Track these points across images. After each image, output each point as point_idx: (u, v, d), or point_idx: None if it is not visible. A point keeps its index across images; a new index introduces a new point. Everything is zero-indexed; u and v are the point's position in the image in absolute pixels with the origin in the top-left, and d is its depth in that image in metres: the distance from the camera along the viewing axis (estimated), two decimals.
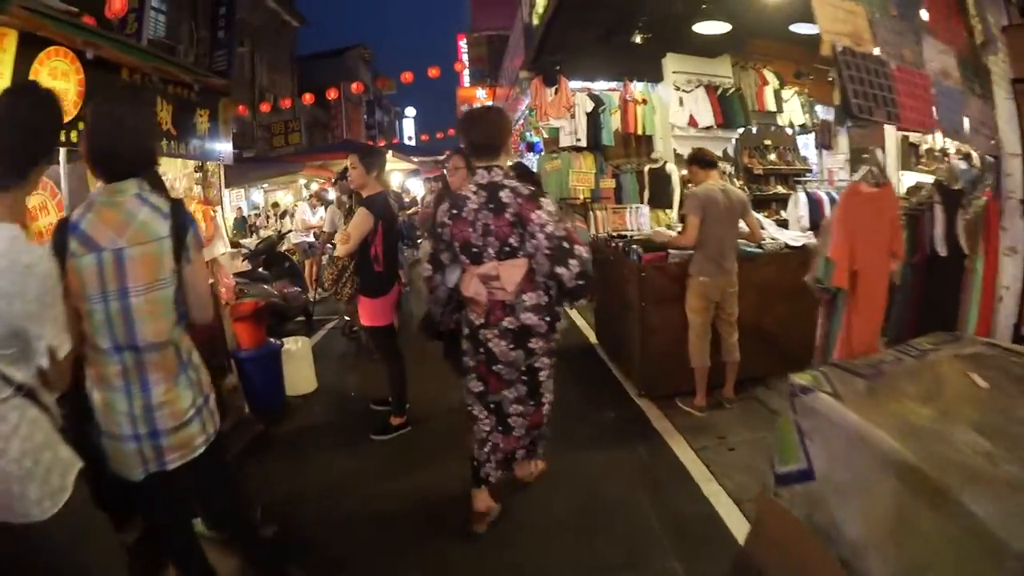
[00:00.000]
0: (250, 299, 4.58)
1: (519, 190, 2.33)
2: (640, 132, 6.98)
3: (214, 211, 4.75)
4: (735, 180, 7.07)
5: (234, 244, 8.92)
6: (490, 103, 12.22)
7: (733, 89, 7.24)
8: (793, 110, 7.67)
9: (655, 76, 7.25)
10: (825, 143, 8.12)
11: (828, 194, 6.00)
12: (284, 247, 8.06)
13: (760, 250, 4.16)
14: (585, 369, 4.96)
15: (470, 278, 2.38)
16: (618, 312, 4.60)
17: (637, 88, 7.10)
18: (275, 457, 3.65)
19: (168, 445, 1.72)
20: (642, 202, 6.96)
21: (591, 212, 6.76)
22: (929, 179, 7.75)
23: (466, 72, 26.31)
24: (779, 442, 1.76)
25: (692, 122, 7.09)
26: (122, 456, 1.68)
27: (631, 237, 4.64)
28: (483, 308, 2.38)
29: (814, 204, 5.90)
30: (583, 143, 6.93)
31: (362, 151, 3.84)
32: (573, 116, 6.99)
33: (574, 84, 7.15)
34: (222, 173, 5.05)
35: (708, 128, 7.11)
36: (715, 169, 3.86)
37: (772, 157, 7.39)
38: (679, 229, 4.83)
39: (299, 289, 6.31)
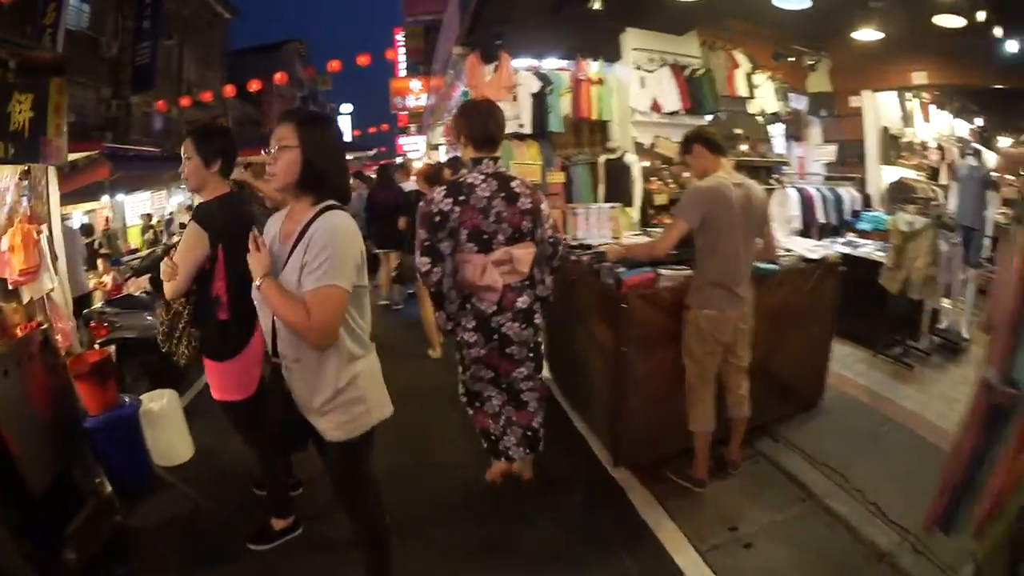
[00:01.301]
0: (102, 345, 3.87)
1: (525, 181, 2.56)
2: (595, 117, 5.80)
3: (38, 232, 3.86)
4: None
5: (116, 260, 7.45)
6: (440, 96, 10.94)
7: (702, 70, 6.22)
8: (766, 96, 6.75)
9: (612, 54, 6.09)
10: (796, 134, 7.29)
11: (819, 191, 5.04)
12: None
13: (775, 267, 3.07)
14: None
15: (484, 267, 2.39)
16: (584, 351, 3.41)
17: (592, 67, 5.93)
18: None
19: None
20: (595, 199, 5.83)
21: None
22: (911, 174, 7.16)
23: (402, 63, 25.05)
24: None
25: (656, 106, 6.00)
26: None
27: (596, 248, 3.45)
28: (498, 294, 2.42)
29: (805, 202, 4.91)
30: (526, 129, 5.69)
31: (199, 133, 2.43)
32: (515, 98, 5.73)
33: (518, 62, 5.89)
34: (50, 178, 3.99)
35: (673, 113, 6.05)
36: (725, 156, 2.70)
37: (744, 148, 6.42)
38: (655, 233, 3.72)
39: None
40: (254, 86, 15.12)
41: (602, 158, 5.78)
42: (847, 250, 4.20)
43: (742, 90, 6.52)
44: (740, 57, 6.60)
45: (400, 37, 24.60)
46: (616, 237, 4.29)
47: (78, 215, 9.39)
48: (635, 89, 5.95)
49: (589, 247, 3.65)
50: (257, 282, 1.68)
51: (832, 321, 3.46)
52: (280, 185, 1.71)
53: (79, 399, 3.03)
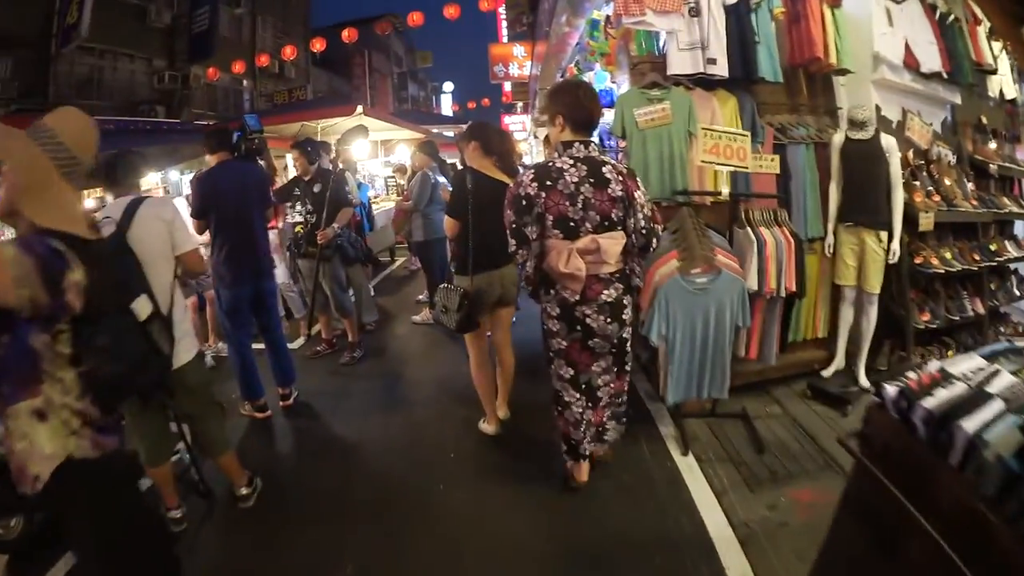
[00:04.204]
0: None
1: (618, 166, 2.38)
2: (830, 61, 3.37)
3: None
4: (964, 180, 3.78)
5: None
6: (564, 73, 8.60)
7: (952, 17, 3.93)
8: (1004, 75, 4.55)
9: None
10: (1017, 132, 5.15)
11: None
12: None
13: None
14: None
15: (567, 254, 2.31)
16: None
17: None
18: None
19: None
20: (822, 206, 3.45)
21: (752, 229, 3.08)
22: None
23: (504, 24, 21.42)
24: None
25: (910, 58, 3.66)
26: None
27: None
28: (581, 284, 2.33)
29: None
30: (720, 69, 3.22)
31: None
32: (695, 12, 3.25)
33: None
34: None
35: (930, 76, 3.74)
36: None
37: (992, 147, 4.23)
38: None
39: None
40: (350, 35, 12.89)
41: (838, 136, 3.37)
42: None
43: (987, 57, 4.29)
44: (977, 9, 4.36)
45: (502, 10, 20.83)
46: None
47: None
48: (880, 26, 3.58)
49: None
50: None
51: None
52: None
53: None
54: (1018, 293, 4.27)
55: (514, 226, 2.37)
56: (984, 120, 4.24)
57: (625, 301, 2.43)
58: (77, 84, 12.36)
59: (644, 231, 2.37)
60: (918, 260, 3.40)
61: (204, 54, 14.06)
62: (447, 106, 35.12)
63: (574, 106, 2.36)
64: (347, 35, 13.05)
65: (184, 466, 2.77)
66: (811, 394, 3.49)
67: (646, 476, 2.79)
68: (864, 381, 3.50)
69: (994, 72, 4.37)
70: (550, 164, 2.36)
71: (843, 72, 3.50)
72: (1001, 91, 4.53)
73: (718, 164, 3.02)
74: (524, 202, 2.33)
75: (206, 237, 3.35)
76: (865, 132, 3.29)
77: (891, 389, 1.36)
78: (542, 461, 2.90)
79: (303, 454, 3.28)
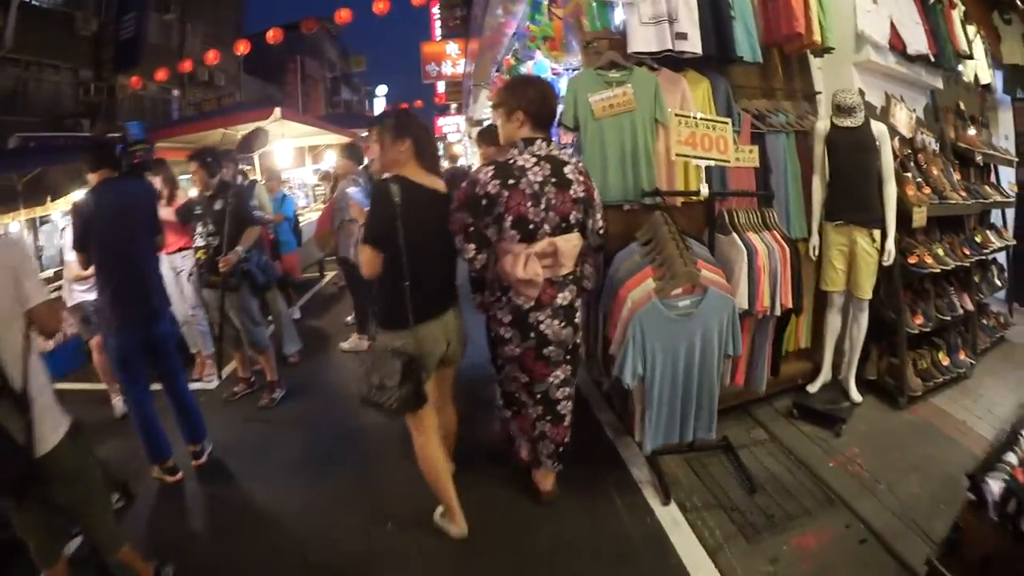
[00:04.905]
0: None
1: (580, 166, 2.30)
2: (813, 38, 2.97)
3: None
4: (950, 169, 3.49)
5: None
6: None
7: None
8: (979, 59, 4.31)
9: None
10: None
11: None
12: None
13: None
14: None
15: (524, 258, 2.15)
16: None
17: None
18: None
19: None
20: (802, 201, 3.09)
21: (738, 235, 2.65)
22: None
23: (437, 23, 20.66)
24: None
25: (895, 39, 3.32)
26: None
27: None
28: (537, 289, 2.19)
29: None
30: (692, 46, 2.78)
31: None
32: None
33: None
34: None
35: (915, 59, 3.42)
36: None
37: (972, 133, 3.97)
38: None
39: None
40: (275, 36, 11.85)
41: (822, 124, 2.99)
42: None
43: (962, 43, 4.03)
44: None
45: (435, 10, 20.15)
46: None
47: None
48: (864, 2, 3.23)
49: None
50: None
51: None
52: None
53: None
54: (999, 283, 4.06)
55: (472, 229, 2.19)
56: (962, 106, 3.97)
57: (577, 304, 2.34)
58: (1, 98, 11.36)
59: (600, 232, 2.32)
60: (912, 259, 3.07)
61: (131, 62, 13.11)
62: (380, 109, 34.81)
63: (538, 101, 2.22)
64: (271, 35, 12.13)
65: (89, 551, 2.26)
66: (798, 413, 3.13)
67: (623, 538, 2.31)
68: (855, 395, 3.16)
69: (970, 57, 4.12)
70: (510, 161, 2.19)
71: (826, 51, 3.12)
72: (976, 76, 4.30)
73: (695, 158, 2.59)
74: (485, 202, 2.15)
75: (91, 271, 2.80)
76: (853, 119, 2.92)
77: (994, 486, 0.94)
78: (500, 530, 2.40)
79: (220, 526, 2.66)
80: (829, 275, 3.00)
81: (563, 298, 2.26)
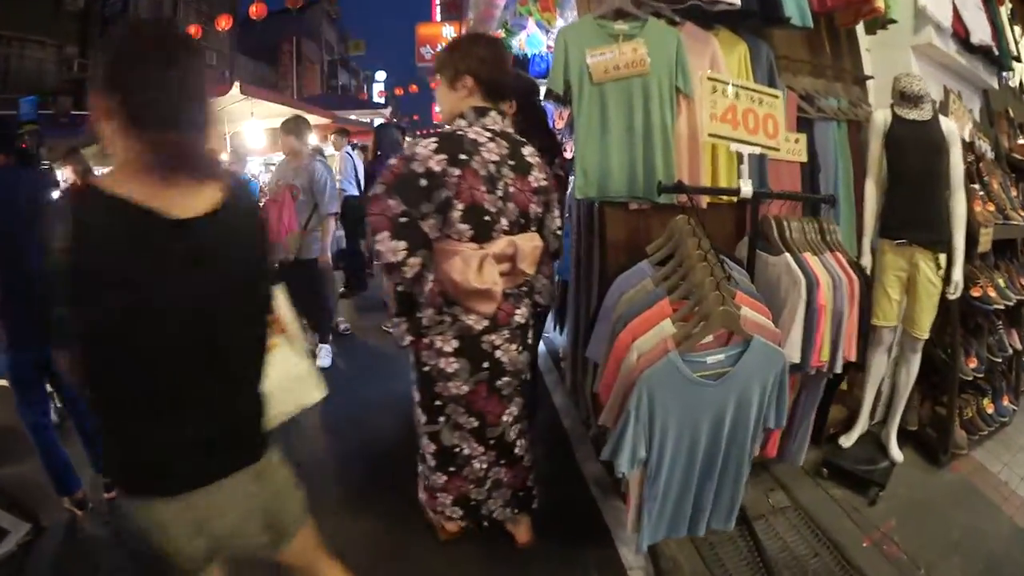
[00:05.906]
0: None
1: (536, 151, 1.90)
2: (879, 5, 2.36)
3: None
4: (1008, 183, 2.95)
5: None
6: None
7: None
8: None
9: None
10: None
11: None
12: None
13: None
14: None
15: (479, 261, 1.67)
16: None
17: None
18: None
19: None
20: (853, 204, 2.49)
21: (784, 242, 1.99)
22: None
23: (438, 7, 19.18)
24: None
25: (957, 24, 2.75)
26: None
27: None
28: (495, 304, 1.74)
29: None
30: None
31: None
32: None
33: None
34: None
35: (976, 50, 2.87)
36: None
37: (1021, 141, 3.46)
38: None
39: None
40: (258, 11, 10.93)
41: (881, 114, 2.37)
42: None
43: (1011, 44, 3.51)
44: None
45: None
46: None
47: None
48: None
49: None
50: None
51: None
52: None
53: None
54: None
55: (403, 220, 1.64)
56: (1011, 113, 3.46)
57: (530, 321, 1.96)
58: None
59: (558, 232, 1.96)
60: (975, 292, 2.50)
61: None
62: (378, 94, 34.57)
63: (490, 62, 1.80)
64: (255, 11, 11.17)
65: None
66: (828, 473, 2.53)
67: None
68: (896, 453, 2.58)
69: (1018, 60, 3.61)
70: (458, 132, 1.73)
71: (887, 24, 2.51)
72: (1021, 82, 3.81)
73: (734, 140, 1.93)
74: (425, 182, 1.65)
75: None
76: (921, 111, 2.32)
77: None
78: None
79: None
80: (883, 306, 2.38)
81: (520, 315, 1.86)
